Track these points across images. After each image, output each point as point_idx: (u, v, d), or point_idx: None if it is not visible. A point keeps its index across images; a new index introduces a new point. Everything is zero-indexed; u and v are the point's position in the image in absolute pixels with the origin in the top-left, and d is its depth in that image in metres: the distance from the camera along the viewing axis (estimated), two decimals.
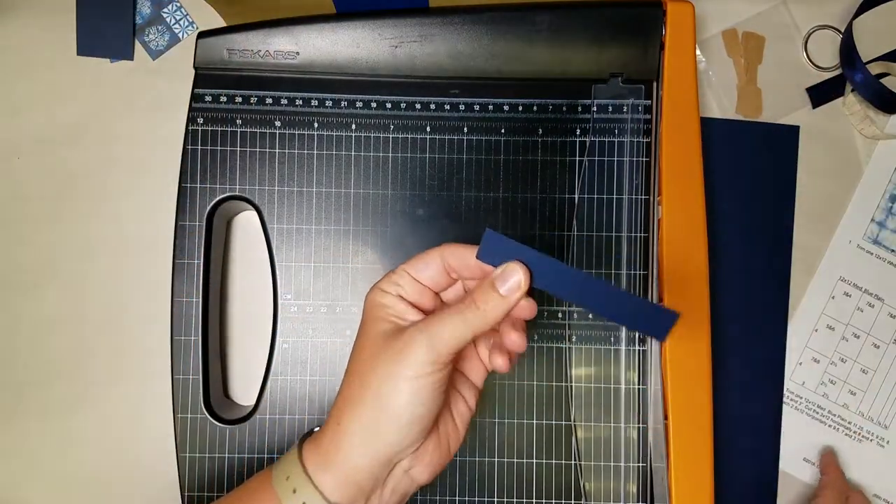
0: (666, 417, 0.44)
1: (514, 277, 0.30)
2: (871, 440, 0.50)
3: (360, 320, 0.34)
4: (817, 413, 0.50)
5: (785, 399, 0.50)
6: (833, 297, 0.50)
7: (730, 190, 0.49)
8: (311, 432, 0.34)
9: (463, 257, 0.33)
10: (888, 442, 0.50)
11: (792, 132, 0.50)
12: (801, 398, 0.50)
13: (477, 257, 0.32)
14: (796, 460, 0.49)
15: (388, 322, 0.32)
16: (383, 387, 0.31)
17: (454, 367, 0.35)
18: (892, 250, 0.50)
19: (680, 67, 0.46)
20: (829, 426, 0.50)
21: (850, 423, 0.50)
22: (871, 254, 0.50)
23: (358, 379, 0.32)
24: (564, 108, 0.46)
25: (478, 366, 0.36)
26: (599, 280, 0.32)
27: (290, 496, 0.32)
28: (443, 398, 0.32)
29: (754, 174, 0.50)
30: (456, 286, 0.35)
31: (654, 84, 0.46)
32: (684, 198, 0.45)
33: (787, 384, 0.50)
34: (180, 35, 0.50)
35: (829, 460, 0.48)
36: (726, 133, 0.50)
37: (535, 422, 0.45)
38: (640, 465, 0.45)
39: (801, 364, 0.50)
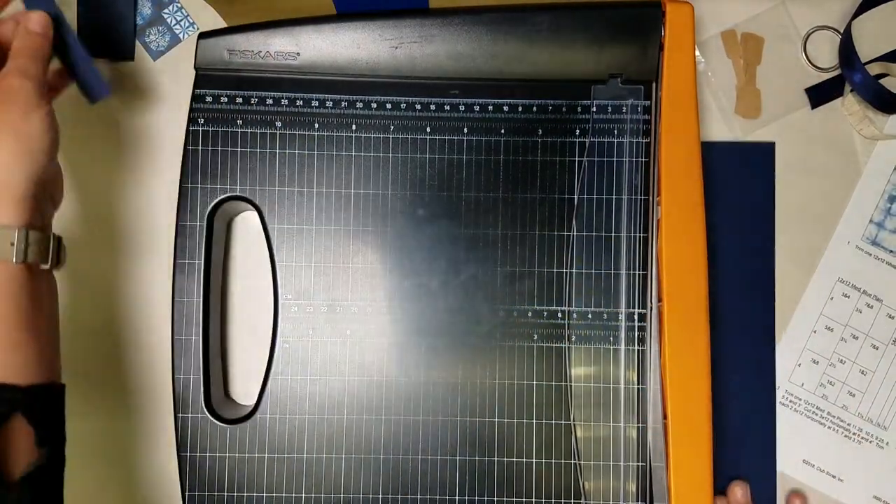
0: (665, 417, 0.44)
1: (35, 17, 0.41)
2: (871, 441, 0.50)
3: None
4: (816, 414, 0.50)
5: (784, 401, 0.50)
6: (832, 298, 0.50)
7: (720, 200, 0.49)
8: None
9: None
10: (888, 443, 0.50)
11: (768, 148, 0.50)
12: (800, 399, 0.50)
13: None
14: (795, 462, 0.49)
15: None
16: (20, 129, 0.38)
17: None
18: (891, 251, 0.50)
19: (679, 68, 0.46)
20: (829, 427, 0.50)
21: (849, 424, 0.50)
22: (870, 255, 0.50)
23: None
24: (564, 109, 0.46)
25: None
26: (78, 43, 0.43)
27: None
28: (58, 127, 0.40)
29: (736, 188, 0.50)
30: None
31: (654, 85, 0.46)
32: (684, 198, 0.45)
33: (787, 385, 0.50)
34: (181, 36, 0.50)
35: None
36: (712, 153, 0.50)
37: (534, 422, 0.45)
38: (640, 464, 0.45)
39: (799, 365, 0.50)
